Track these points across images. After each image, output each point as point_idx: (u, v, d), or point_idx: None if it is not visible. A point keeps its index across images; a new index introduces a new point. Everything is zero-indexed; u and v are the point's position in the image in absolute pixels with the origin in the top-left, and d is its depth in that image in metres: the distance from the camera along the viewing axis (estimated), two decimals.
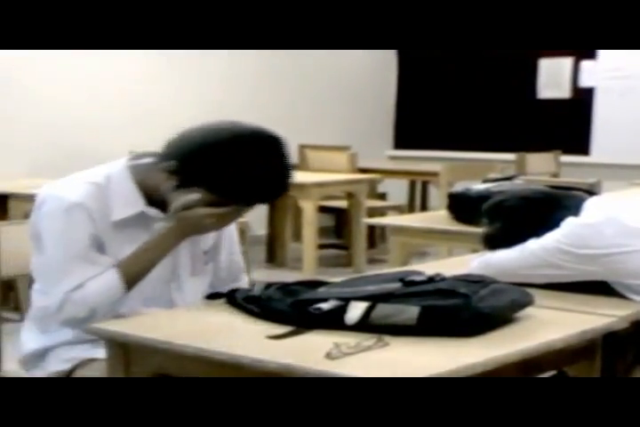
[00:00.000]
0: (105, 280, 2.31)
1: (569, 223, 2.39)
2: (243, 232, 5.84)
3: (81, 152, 6.69)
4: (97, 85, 6.98)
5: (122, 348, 2.09)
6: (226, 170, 2.24)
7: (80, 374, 2.41)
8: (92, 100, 6.94)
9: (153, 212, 2.38)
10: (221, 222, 2.36)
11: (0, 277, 2.62)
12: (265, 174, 2.27)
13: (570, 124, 8.48)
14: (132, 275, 2.34)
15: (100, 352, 2.26)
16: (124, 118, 7.10)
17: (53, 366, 2.45)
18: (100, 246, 2.34)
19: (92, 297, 2.29)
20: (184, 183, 2.28)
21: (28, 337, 2.50)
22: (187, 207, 2.28)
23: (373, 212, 6.76)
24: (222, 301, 2.28)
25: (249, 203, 2.33)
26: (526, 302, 2.16)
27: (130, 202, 2.36)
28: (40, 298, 2.42)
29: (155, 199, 2.37)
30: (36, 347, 2.47)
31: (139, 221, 2.38)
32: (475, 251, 3.13)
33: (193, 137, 2.30)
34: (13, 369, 2.61)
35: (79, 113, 6.86)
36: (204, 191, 2.26)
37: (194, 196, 2.27)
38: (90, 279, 2.29)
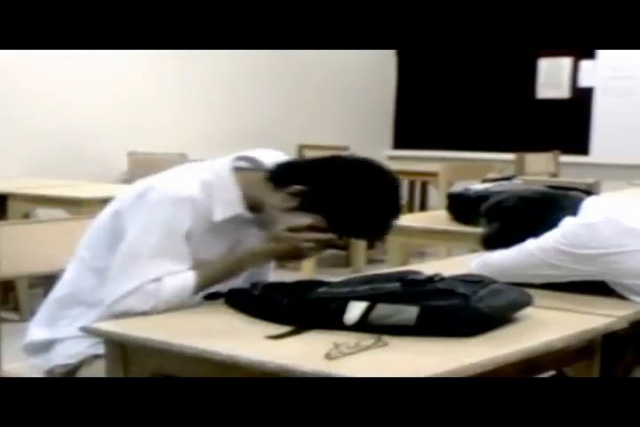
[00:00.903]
0: (182, 280, 2.29)
1: (567, 223, 2.39)
2: None
3: (80, 152, 6.70)
4: (97, 85, 6.97)
5: (120, 348, 2.09)
6: (353, 205, 2.30)
7: (84, 370, 2.40)
8: (92, 100, 6.93)
9: (249, 216, 2.39)
10: (318, 250, 2.40)
11: None
12: (384, 215, 2.36)
13: (569, 124, 8.48)
14: (208, 282, 2.33)
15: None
16: (123, 119, 7.09)
17: (58, 360, 2.44)
18: (189, 242, 2.32)
19: (163, 293, 2.26)
20: (304, 207, 2.32)
21: (37, 327, 2.50)
22: (294, 230, 2.32)
23: None
24: (221, 301, 2.28)
25: (358, 237, 2.54)
26: (525, 303, 2.16)
27: (232, 205, 2.35)
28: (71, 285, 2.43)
29: (252, 208, 2.39)
30: (42, 337, 2.47)
31: (232, 224, 2.38)
32: (474, 251, 3.13)
33: (325, 167, 2.36)
34: (14, 369, 2.61)
35: (79, 113, 6.86)
36: (320, 219, 2.32)
37: (305, 220, 2.31)
38: (169, 275, 2.28)
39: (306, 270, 6.18)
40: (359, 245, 6.64)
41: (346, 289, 2.11)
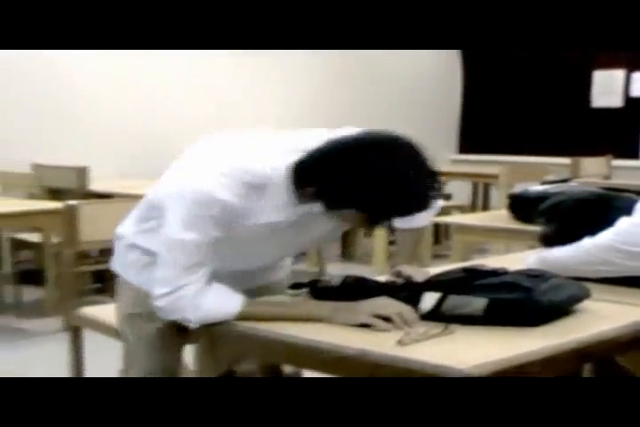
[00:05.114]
0: (226, 303, 2.08)
1: (622, 222, 2.37)
2: None
3: (172, 154, 6.76)
4: (186, 90, 7.02)
5: (209, 333, 2.12)
6: (372, 187, 1.95)
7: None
8: (180, 104, 6.99)
9: (299, 212, 2.15)
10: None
11: None
12: (416, 186, 1.98)
13: (621, 130, 8.41)
14: (249, 317, 2.07)
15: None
16: (210, 120, 7.07)
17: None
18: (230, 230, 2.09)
19: (204, 307, 2.06)
20: (332, 206, 2.04)
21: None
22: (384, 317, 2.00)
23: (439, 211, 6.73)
24: (304, 290, 2.28)
25: (401, 215, 2.14)
26: (584, 296, 2.15)
27: (279, 210, 2.12)
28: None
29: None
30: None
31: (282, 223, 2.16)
32: (531, 247, 3.11)
33: (332, 158, 2.01)
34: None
35: (169, 117, 6.93)
36: (355, 212, 2.01)
37: (395, 309, 2.00)
38: (206, 291, 2.07)
39: (377, 264, 6.20)
40: (426, 242, 6.63)
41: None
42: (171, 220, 2.07)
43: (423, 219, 2.55)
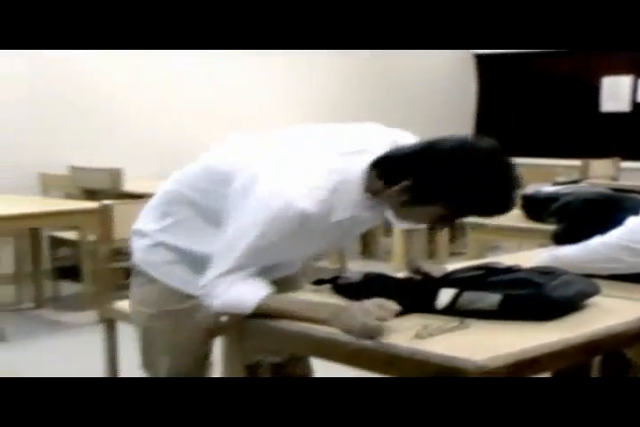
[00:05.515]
0: (245, 299, 2.04)
1: (629, 222, 2.37)
2: None
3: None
4: (216, 87, 7.03)
5: (237, 328, 2.12)
6: (466, 185, 1.99)
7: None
8: (207, 103, 7.00)
9: (365, 215, 2.16)
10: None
11: None
12: (502, 188, 2.03)
13: (628, 133, 8.37)
14: (266, 312, 2.04)
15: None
16: (235, 120, 7.11)
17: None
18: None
19: (223, 298, 2.05)
20: (419, 199, 2.05)
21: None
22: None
23: None
24: (327, 286, 2.28)
25: (484, 215, 2.13)
26: (593, 292, 2.14)
27: (351, 208, 2.11)
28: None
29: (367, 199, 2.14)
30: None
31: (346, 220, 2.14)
32: (543, 245, 3.10)
33: (425, 155, 2.03)
34: None
35: (202, 116, 6.95)
36: (439, 206, 2.04)
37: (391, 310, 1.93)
38: (240, 282, 2.05)
39: (396, 261, 6.19)
40: (443, 240, 6.62)
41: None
42: (246, 221, 2.02)
43: None
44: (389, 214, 2.27)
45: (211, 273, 2.07)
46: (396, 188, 2.05)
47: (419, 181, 2.02)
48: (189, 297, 2.26)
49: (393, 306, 1.92)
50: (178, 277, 2.29)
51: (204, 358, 2.39)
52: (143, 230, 2.35)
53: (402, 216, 2.18)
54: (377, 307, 1.91)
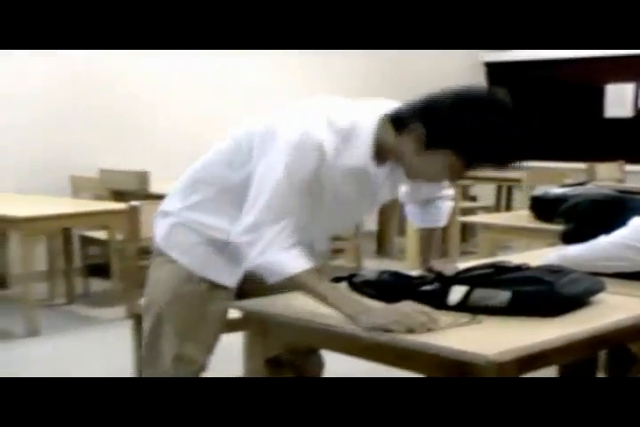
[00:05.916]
0: (287, 262, 1.98)
1: (635, 222, 2.35)
2: (357, 228, 5.87)
3: None
4: (239, 88, 7.00)
5: (259, 322, 2.12)
6: (476, 127, 1.95)
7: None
8: (230, 105, 6.96)
9: (372, 169, 2.10)
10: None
11: None
12: (511, 133, 2.00)
13: (632, 138, 8.36)
14: (299, 284, 1.99)
15: (229, 281, 2.20)
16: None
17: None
18: (317, 182, 2.05)
19: (266, 255, 1.97)
20: (430, 144, 1.99)
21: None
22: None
23: (466, 211, 6.70)
24: (344, 284, 2.25)
25: (494, 161, 2.05)
26: (599, 289, 2.13)
27: (360, 156, 2.06)
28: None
29: (378, 152, 2.09)
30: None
31: (358, 170, 2.11)
32: (551, 245, 3.08)
33: (440, 101, 2.01)
34: None
35: (226, 119, 6.94)
36: (450, 153, 1.99)
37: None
38: (286, 245, 1.98)
39: (409, 260, 6.17)
40: (454, 240, 6.62)
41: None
42: (272, 159, 1.99)
43: (441, 219, 2.60)
44: (402, 178, 2.19)
45: (247, 219, 2.00)
46: (407, 133, 2.01)
47: (429, 124, 1.98)
48: (204, 281, 2.22)
49: (433, 324, 1.86)
50: (197, 259, 2.23)
51: (211, 346, 2.30)
52: (167, 210, 2.29)
53: (413, 172, 2.10)
54: (415, 311, 1.88)
